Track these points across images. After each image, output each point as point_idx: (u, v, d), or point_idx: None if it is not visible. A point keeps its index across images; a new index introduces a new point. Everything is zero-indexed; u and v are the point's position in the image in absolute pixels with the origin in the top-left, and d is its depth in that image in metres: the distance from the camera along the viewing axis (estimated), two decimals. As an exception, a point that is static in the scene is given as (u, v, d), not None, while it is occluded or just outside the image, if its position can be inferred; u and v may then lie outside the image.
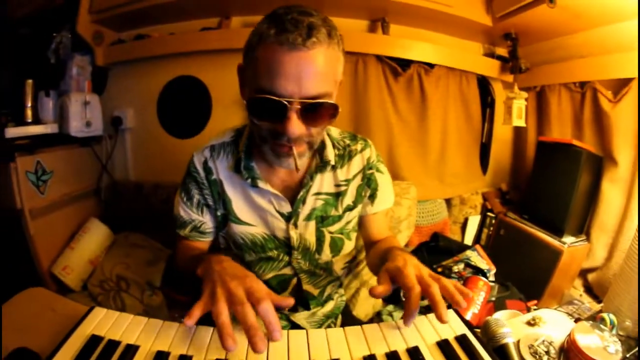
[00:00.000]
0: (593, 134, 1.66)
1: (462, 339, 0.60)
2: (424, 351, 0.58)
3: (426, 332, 0.63)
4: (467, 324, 0.65)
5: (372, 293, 0.63)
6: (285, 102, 0.61)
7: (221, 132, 0.86)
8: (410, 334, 0.62)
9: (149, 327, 0.60)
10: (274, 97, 0.61)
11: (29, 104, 1.56)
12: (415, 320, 0.63)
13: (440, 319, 0.57)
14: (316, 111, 0.64)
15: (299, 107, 0.62)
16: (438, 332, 0.62)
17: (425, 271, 0.61)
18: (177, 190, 0.87)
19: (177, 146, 1.81)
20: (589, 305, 1.46)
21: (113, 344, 0.57)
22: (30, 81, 1.55)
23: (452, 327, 0.63)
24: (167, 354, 0.55)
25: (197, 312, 0.53)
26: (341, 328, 0.64)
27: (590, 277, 1.67)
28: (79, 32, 1.65)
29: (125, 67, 1.83)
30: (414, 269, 0.61)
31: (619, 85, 1.53)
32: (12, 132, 1.45)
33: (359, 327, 0.64)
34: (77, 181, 1.70)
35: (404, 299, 1.08)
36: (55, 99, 1.64)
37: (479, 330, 0.73)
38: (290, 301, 0.59)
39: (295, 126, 0.63)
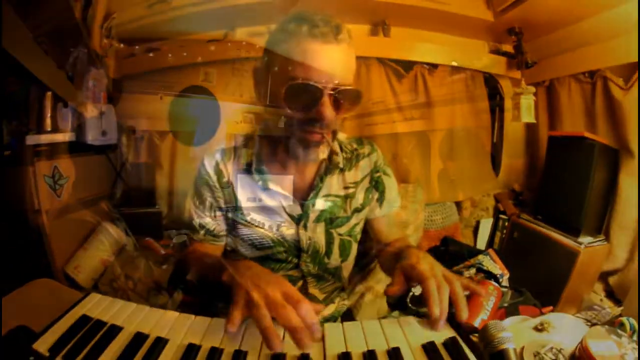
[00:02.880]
0: (607, 125, 1.56)
1: (450, 343, 0.58)
2: (406, 353, 0.56)
3: (412, 333, 0.61)
4: (457, 326, 0.62)
5: (386, 292, 0.66)
6: (321, 87, 0.66)
7: (230, 138, 0.90)
8: (394, 334, 0.61)
9: (136, 312, 0.65)
10: (311, 82, 0.66)
11: (49, 114, 1.66)
12: (401, 320, 0.64)
13: (432, 325, 0.60)
14: (345, 97, 0.69)
15: (331, 92, 0.67)
16: (426, 335, 0.61)
17: (439, 271, 0.63)
18: (188, 196, 0.90)
19: (187, 154, 1.86)
20: (610, 310, 1.35)
21: (100, 324, 0.61)
22: (49, 93, 1.66)
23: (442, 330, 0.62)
24: (146, 336, 0.59)
25: (237, 318, 0.55)
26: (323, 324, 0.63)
27: (612, 280, 1.55)
28: (93, 48, 1.74)
29: (138, 78, 1.90)
30: (427, 265, 0.64)
31: (630, 71, 1.43)
32: (32, 139, 1.55)
33: (339, 324, 0.63)
34: (92, 186, 1.77)
35: (410, 305, 1.05)
36: (73, 109, 1.73)
37: (476, 335, 0.69)
38: (320, 307, 0.64)
39: (329, 110, 0.68)
